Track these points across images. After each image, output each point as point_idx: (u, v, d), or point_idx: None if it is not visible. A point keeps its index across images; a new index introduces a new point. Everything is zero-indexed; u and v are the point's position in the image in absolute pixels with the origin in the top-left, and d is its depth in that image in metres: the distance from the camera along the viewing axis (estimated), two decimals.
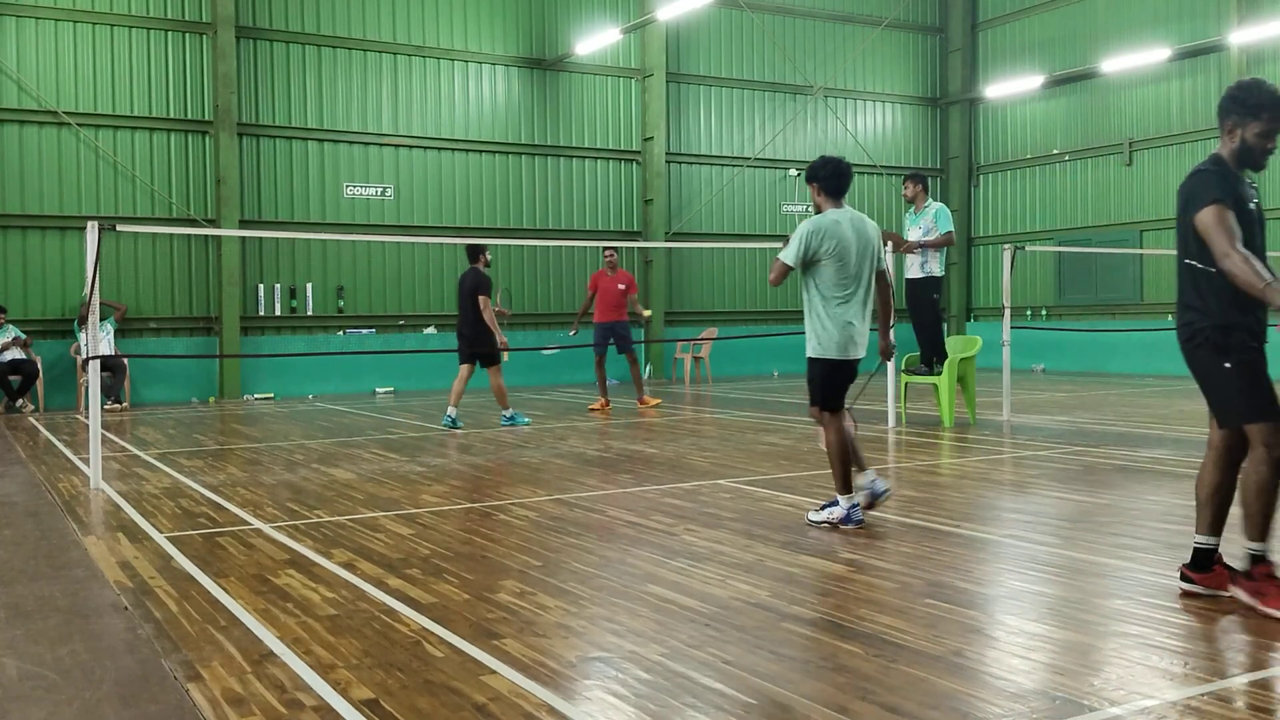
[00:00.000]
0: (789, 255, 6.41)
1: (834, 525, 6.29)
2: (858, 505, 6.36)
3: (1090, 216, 21.42)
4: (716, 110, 21.44)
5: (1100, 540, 5.85)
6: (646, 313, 15.68)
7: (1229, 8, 18.91)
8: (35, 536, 6.49)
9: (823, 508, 6.45)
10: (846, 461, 6.40)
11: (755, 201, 21.77)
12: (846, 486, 6.35)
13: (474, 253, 12.52)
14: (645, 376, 20.33)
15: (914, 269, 11.72)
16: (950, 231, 11.63)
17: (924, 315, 11.74)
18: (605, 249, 14.30)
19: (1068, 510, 6.90)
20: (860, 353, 6.48)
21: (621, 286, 13.97)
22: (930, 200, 11.85)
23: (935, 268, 11.65)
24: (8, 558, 5.91)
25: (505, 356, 12.76)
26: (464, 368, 12.36)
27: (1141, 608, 4.56)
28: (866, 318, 6.47)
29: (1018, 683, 3.70)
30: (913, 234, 11.74)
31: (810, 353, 6.52)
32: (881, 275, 6.57)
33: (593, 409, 13.96)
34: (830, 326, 6.39)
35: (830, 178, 6.42)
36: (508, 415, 12.44)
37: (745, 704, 3.51)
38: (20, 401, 15.21)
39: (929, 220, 11.61)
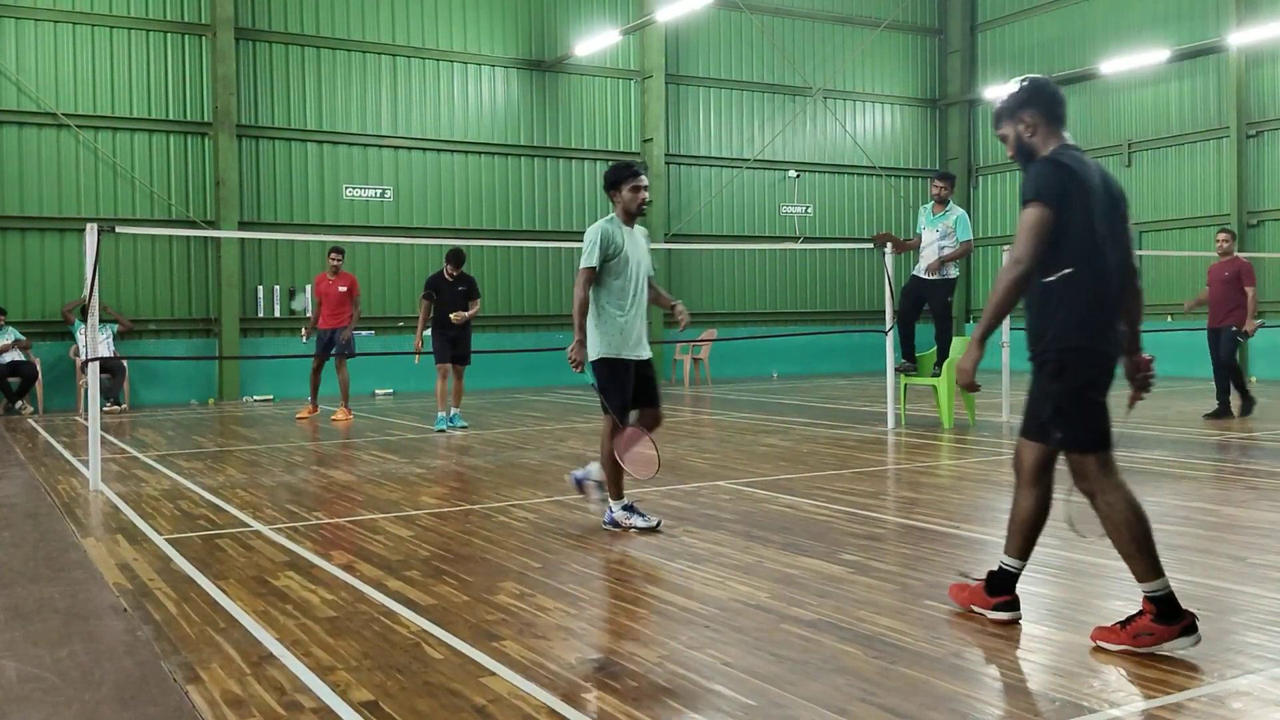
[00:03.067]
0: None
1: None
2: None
3: None
4: (716, 111, 21.44)
5: (1099, 541, 5.84)
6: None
7: (1228, 9, 18.92)
8: (34, 538, 6.48)
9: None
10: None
11: (754, 203, 21.77)
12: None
13: (461, 258, 12.51)
14: None
15: (929, 271, 11.60)
16: (969, 240, 11.55)
17: (942, 318, 11.71)
18: (331, 251, 14.05)
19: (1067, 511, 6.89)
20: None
21: (343, 289, 13.85)
22: (952, 204, 11.73)
23: (951, 270, 11.61)
24: (7, 559, 5.90)
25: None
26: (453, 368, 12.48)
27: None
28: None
29: (1017, 684, 3.70)
30: (927, 235, 11.58)
31: None
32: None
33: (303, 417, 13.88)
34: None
35: None
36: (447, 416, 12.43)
37: (745, 705, 3.51)
38: (19, 403, 15.20)
39: (948, 225, 11.48)
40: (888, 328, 11.74)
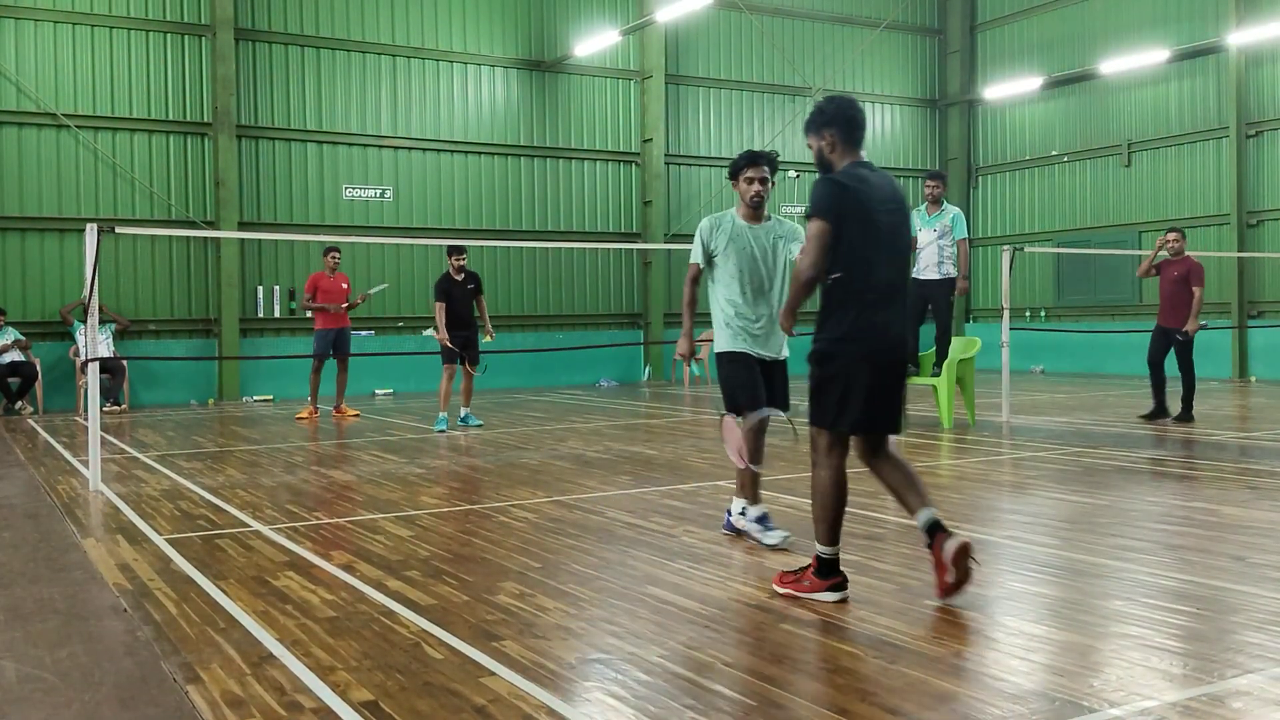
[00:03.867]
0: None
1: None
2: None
3: (1089, 218, 21.42)
4: (715, 112, 21.45)
5: (1099, 541, 5.85)
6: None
7: (1228, 9, 18.92)
8: (34, 539, 6.48)
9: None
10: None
11: None
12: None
13: (464, 250, 12.52)
14: (645, 378, 20.36)
15: (930, 271, 11.61)
16: (965, 238, 11.64)
17: (943, 317, 11.73)
18: (330, 250, 14.02)
19: (1066, 511, 6.90)
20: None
21: (345, 286, 13.81)
22: (946, 203, 11.75)
23: (952, 269, 11.62)
24: (7, 560, 5.90)
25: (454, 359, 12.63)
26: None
27: (1141, 609, 4.56)
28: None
29: (1017, 684, 3.70)
30: (924, 235, 11.60)
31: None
32: None
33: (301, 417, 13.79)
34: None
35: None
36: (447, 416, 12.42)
37: (745, 706, 3.51)
38: (19, 404, 15.20)
39: (945, 224, 11.52)
40: None
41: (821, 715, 3.42)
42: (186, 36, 17.04)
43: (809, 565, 4.81)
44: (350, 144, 18.13)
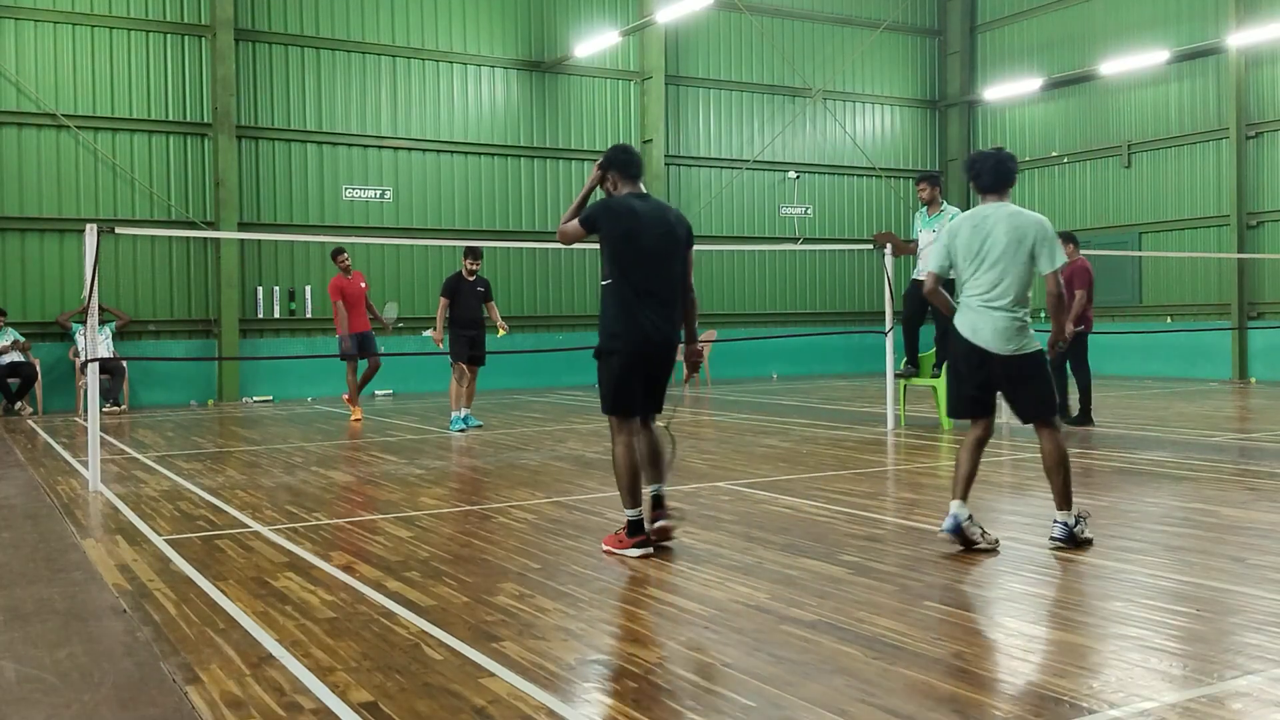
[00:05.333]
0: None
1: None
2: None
3: (1089, 218, 21.42)
4: (715, 113, 21.45)
5: (1099, 542, 5.85)
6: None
7: (1227, 10, 18.92)
8: (34, 539, 6.48)
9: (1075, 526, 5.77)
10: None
11: (754, 204, 21.77)
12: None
13: (480, 252, 12.57)
14: None
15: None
16: None
17: (943, 318, 11.70)
18: (338, 253, 13.76)
19: None
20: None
21: (364, 285, 13.68)
22: (945, 204, 11.72)
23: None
24: (6, 560, 5.90)
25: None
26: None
27: (1140, 610, 4.56)
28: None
29: (1016, 685, 3.70)
30: (924, 237, 11.55)
31: None
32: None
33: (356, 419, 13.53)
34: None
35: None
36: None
37: (744, 706, 3.51)
38: (19, 404, 15.20)
39: (944, 225, 11.48)
40: (887, 329, 11.74)
41: (821, 716, 3.42)
42: (186, 37, 17.04)
43: (624, 527, 5.78)
44: (350, 144, 18.13)
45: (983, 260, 5.73)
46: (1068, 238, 12.09)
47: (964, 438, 5.92)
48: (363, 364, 13.59)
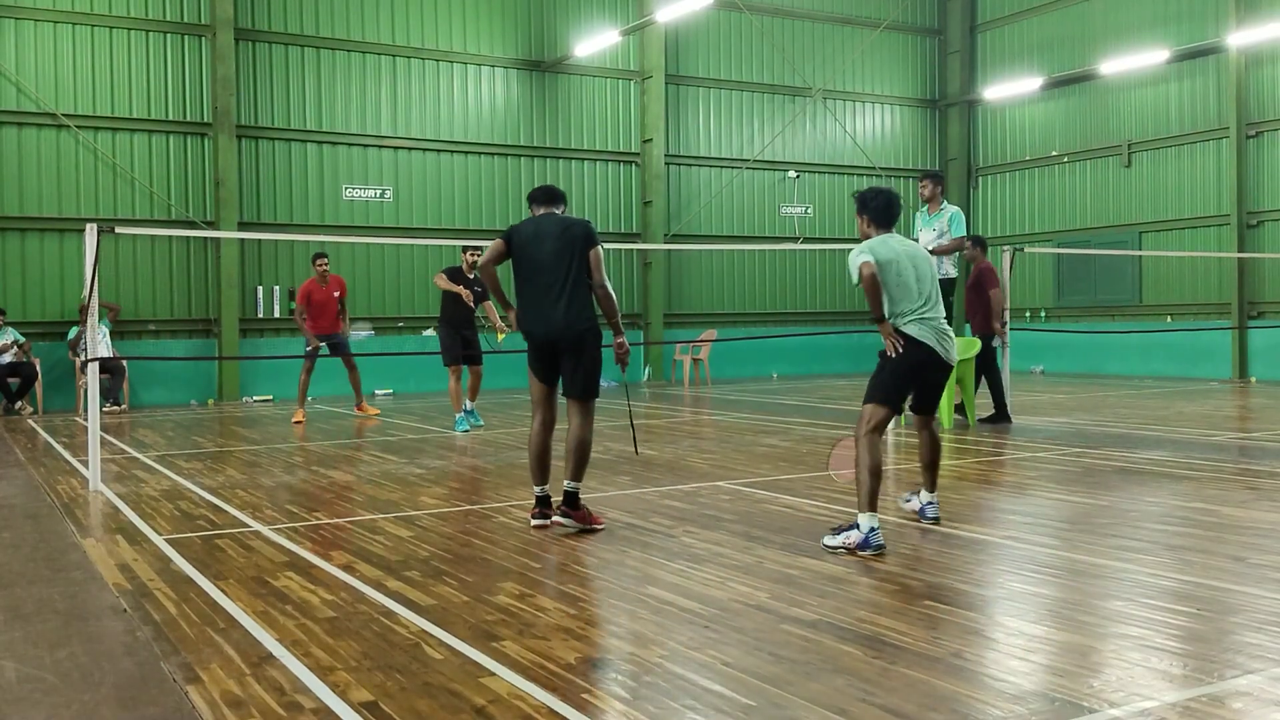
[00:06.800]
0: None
1: (850, 551, 5.67)
2: (876, 529, 5.70)
3: (1089, 218, 21.42)
4: (715, 112, 21.44)
5: (1099, 542, 5.85)
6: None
7: (1227, 9, 18.92)
8: (34, 539, 6.48)
9: (837, 531, 5.86)
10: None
11: (754, 203, 21.77)
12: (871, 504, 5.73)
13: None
14: (645, 378, 20.35)
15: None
16: (964, 236, 11.58)
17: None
18: (318, 257, 13.81)
19: (1066, 512, 6.91)
20: None
21: (337, 294, 13.70)
22: (945, 203, 11.74)
23: (950, 269, 11.61)
24: (6, 560, 5.90)
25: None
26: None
27: (1140, 609, 4.56)
28: None
29: (1017, 684, 3.70)
30: (924, 235, 11.55)
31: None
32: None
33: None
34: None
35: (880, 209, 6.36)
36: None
37: (745, 706, 3.51)
38: (19, 404, 15.20)
39: (943, 224, 11.48)
40: None
41: (821, 715, 3.42)
42: (186, 36, 17.04)
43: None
44: (350, 144, 18.12)
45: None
46: (976, 240, 12.29)
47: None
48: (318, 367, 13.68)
